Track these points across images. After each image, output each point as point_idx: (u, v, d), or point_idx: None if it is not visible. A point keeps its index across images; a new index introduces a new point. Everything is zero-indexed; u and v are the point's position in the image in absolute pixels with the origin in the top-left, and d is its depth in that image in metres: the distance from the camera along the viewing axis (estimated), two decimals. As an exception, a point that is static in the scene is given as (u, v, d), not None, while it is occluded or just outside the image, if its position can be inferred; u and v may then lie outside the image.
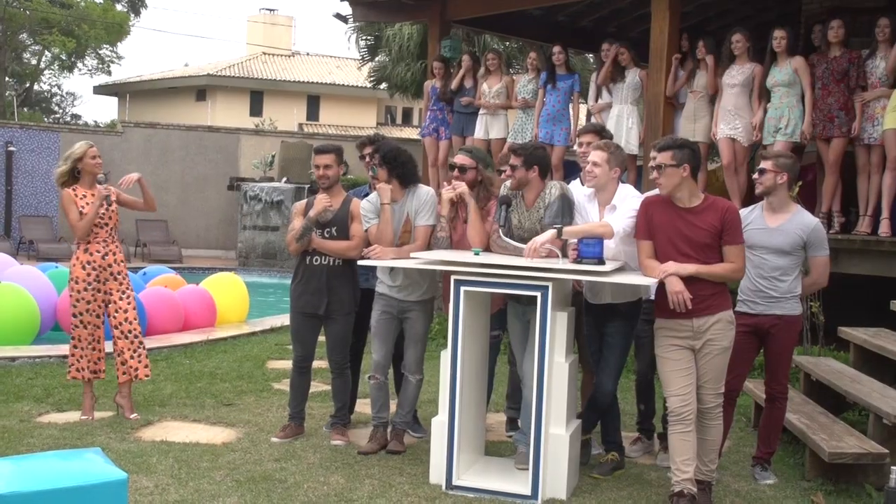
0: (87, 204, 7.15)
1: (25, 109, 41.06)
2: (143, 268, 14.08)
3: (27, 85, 43.33)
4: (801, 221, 6.01)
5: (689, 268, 5.39)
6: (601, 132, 6.57)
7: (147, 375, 7.44)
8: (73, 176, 7.22)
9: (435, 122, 12.77)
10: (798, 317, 6.14)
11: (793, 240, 5.97)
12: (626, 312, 6.11)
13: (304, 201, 6.89)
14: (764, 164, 6.06)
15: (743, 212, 6.09)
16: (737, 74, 9.68)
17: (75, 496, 3.78)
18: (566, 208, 5.96)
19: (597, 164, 5.91)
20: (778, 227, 6.01)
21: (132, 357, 7.32)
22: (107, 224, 7.25)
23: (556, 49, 11.29)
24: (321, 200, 6.61)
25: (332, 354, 6.86)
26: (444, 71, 12.61)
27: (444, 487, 5.77)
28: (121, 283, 7.30)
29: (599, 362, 6.19)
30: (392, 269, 6.43)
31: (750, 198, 9.69)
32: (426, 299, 6.66)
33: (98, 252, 7.21)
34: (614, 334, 6.11)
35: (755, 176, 6.16)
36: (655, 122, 10.40)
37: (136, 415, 7.28)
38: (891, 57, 8.94)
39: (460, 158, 6.50)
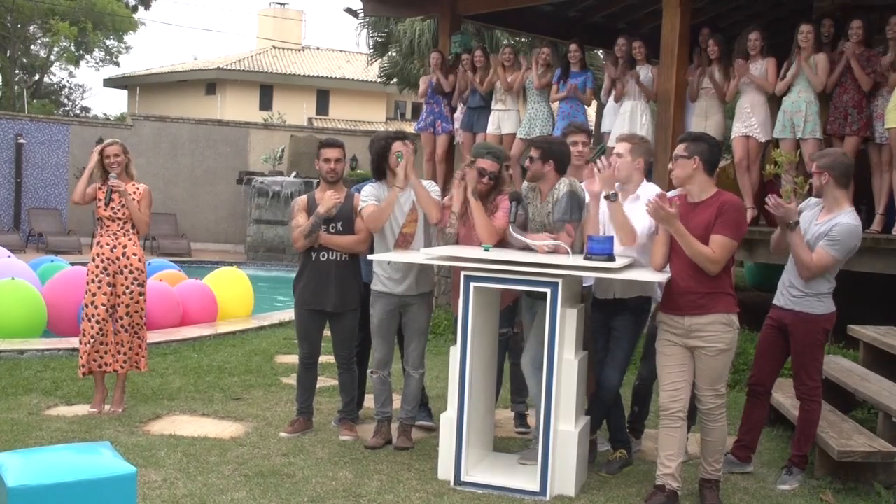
0: (102, 198, 7.24)
1: (35, 101, 41.13)
2: (149, 262, 14.06)
3: (37, 77, 43.39)
4: (834, 221, 5.80)
5: (675, 218, 5.30)
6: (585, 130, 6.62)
7: (145, 367, 7.51)
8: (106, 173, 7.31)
9: (432, 116, 12.70)
10: (819, 316, 5.94)
11: (817, 237, 5.85)
12: (635, 307, 6.10)
13: (303, 197, 6.87)
14: (813, 168, 5.99)
15: (811, 200, 6.08)
16: (752, 71, 9.63)
17: (84, 490, 3.77)
18: (574, 204, 5.95)
19: (620, 154, 5.87)
20: (816, 224, 5.91)
21: (131, 349, 7.36)
22: (119, 218, 7.26)
23: (573, 47, 11.26)
24: (331, 197, 6.60)
25: (339, 350, 6.86)
26: (441, 62, 12.57)
27: (452, 483, 5.76)
28: (126, 278, 7.29)
29: (605, 358, 6.18)
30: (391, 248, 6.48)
31: (762, 195, 9.68)
32: (426, 292, 6.67)
33: (107, 245, 7.23)
34: (621, 328, 6.10)
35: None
36: (665, 118, 10.37)
37: (122, 408, 7.28)
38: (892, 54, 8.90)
39: (489, 165, 6.32)
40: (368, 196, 6.51)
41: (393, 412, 6.82)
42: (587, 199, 5.96)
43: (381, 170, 6.55)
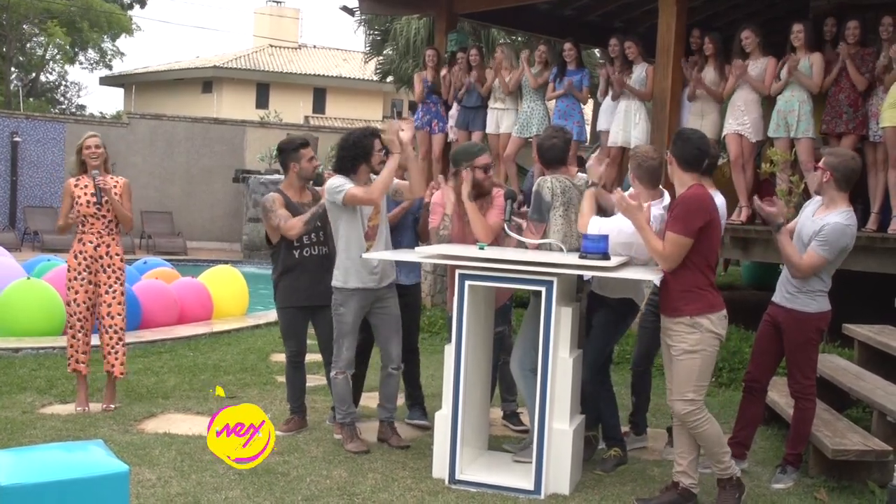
0: (85, 194, 7.20)
1: (31, 100, 41.08)
2: (144, 259, 14.05)
3: (33, 75, 43.35)
4: (825, 220, 5.73)
5: (638, 211, 5.35)
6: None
7: (122, 374, 7.41)
8: (83, 166, 7.28)
9: (428, 116, 12.63)
10: (811, 315, 5.88)
11: (811, 235, 5.79)
12: (615, 307, 6.12)
13: (276, 194, 6.72)
14: (820, 163, 5.96)
15: (813, 199, 6.05)
16: (751, 69, 9.61)
17: (76, 488, 3.76)
18: (535, 205, 6.03)
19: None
20: (812, 220, 5.86)
21: (110, 353, 7.32)
22: (104, 216, 7.24)
23: (567, 46, 11.24)
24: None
25: (326, 347, 6.77)
26: (437, 61, 12.52)
27: (447, 482, 5.76)
28: (109, 277, 7.28)
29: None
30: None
31: (757, 194, 9.68)
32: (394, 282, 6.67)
33: (91, 243, 7.22)
34: (597, 325, 6.17)
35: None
36: (661, 117, 10.37)
37: (113, 405, 7.27)
38: (889, 54, 8.88)
39: (486, 159, 6.44)
40: (345, 183, 6.32)
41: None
42: (555, 200, 6.00)
43: (355, 167, 6.43)
